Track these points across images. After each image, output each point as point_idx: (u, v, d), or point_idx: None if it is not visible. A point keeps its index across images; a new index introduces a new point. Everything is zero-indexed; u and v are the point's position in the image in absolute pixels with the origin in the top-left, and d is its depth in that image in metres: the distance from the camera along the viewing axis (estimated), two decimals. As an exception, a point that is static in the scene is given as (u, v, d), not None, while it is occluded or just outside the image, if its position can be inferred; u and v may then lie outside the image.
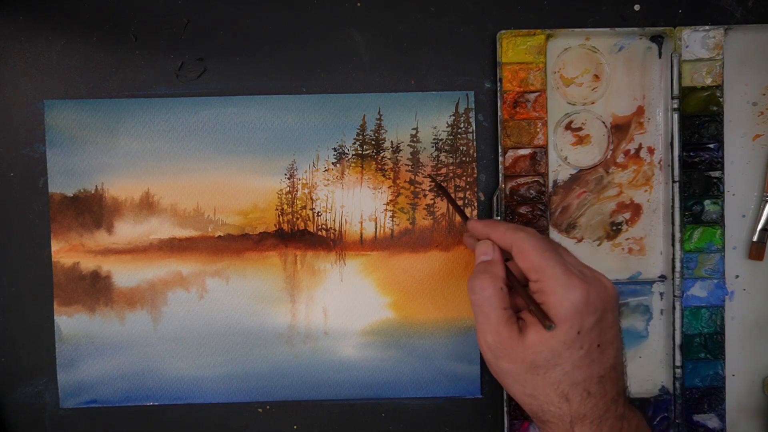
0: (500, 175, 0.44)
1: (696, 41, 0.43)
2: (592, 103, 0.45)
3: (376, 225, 0.46)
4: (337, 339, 0.46)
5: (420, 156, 0.45)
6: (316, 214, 0.46)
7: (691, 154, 0.44)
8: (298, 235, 0.46)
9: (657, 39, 0.45)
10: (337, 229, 0.46)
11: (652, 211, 0.45)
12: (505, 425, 0.44)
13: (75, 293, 0.45)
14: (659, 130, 0.45)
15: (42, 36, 0.45)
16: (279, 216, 0.45)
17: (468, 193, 0.45)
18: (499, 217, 0.44)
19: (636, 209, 0.45)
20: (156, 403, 0.46)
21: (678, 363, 0.44)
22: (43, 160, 0.45)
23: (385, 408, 0.46)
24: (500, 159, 0.44)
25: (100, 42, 0.45)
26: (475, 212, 0.45)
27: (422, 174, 0.45)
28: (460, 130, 0.45)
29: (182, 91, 0.45)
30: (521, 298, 0.35)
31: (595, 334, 0.32)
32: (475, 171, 0.45)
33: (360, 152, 0.45)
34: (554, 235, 0.45)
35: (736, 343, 0.45)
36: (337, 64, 0.45)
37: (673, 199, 0.44)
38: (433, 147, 0.45)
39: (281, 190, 0.45)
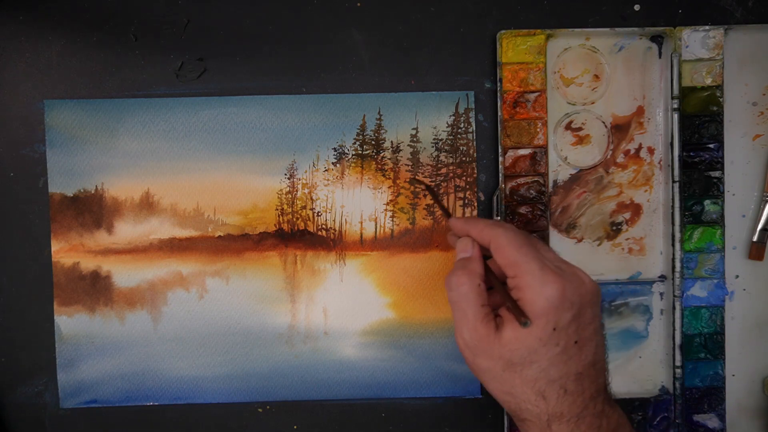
0: (500, 175, 0.44)
1: (696, 41, 0.43)
2: (592, 103, 0.45)
3: (376, 225, 0.46)
4: (337, 339, 0.46)
5: (420, 156, 0.45)
6: (316, 214, 0.46)
7: (691, 154, 0.44)
8: (298, 235, 0.46)
9: (657, 39, 0.45)
10: (337, 229, 0.46)
11: (652, 211, 0.45)
12: (505, 425, 0.44)
13: (75, 293, 0.45)
14: (659, 130, 0.45)
15: (42, 36, 0.45)
16: (279, 216, 0.45)
17: (468, 193, 0.45)
18: (499, 218, 0.44)
19: (636, 209, 0.45)
20: (156, 403, 0.46)
21: (678, 363, 0.44)
22: (43, 160, 0.45)
23: (385, 408, 0.46)
24: (500, 159, 0.44)
25: (100, 42, 0.45)
26: (475, 212, 0.45)
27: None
28: (460, 130, 0.45)
29: (182, 91, 0.45)
30: (500, 295, 0.35)
31: (572, 330, 0.32)
32: (475, 171, 0.45)
33: (360, 152, 0.45)
34: (554, 235, 0.45)
35: (736, 343, 0.45)
36: (337, 64, 0.45)
37: (673, 199, 0.44)
38: (433, 147, 0.45)
39: (281, 190, 0.45)
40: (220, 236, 0.45)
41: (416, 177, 0.45)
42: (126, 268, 0.45)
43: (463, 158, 0.45)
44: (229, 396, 0.46)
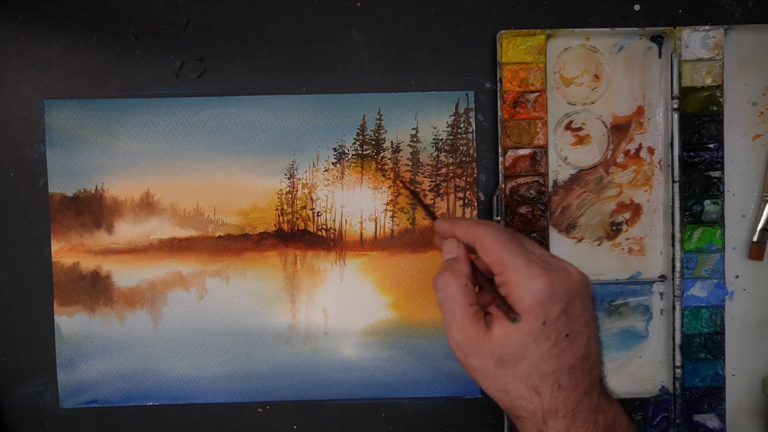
0: (500, 175, 0.44)
1: (696, 41, 0.43)
2: (592, 103, 0.45)
3: (376, 225, 0.46)
4: (337, 339, 0.46)
5: (420, 156, 0.45)
6: (316, 214, 0.46)
7: (691, 154, 0.44)
8: (298, 235, 0.46)
9: (657, 39, 0.45)
10: (337, 229, 0.46)
11: (652, 211, 0.45)
12: (505, 425, 0.44)
13: (75, 293, 0.45)
14: (659, 130, 0.45)
15: (42, 36, 0.45)
16: (279, 216, 0.45)
17: (468, 193, 0.45)
18: (499, 218, 0.44)
19: (636, 209, 0.45)
20: (156, 403, 0.46)
21: (678, 363, 0.44)
22: (43, 160, 0.45)
23: (385, 408, 0.46)
24: (500, 159, 0.44)
25: (100, 42, 0.45)
26: (475, 212, 0.45)
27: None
28: (460, 130, 0.45)
29: (182, 91, 0.45)
30: (488, 293, 0.34)
31: (562, 323, 0.32)
32: (475, 171, 0.45)
33: (360, 152, 0.45)
34: (554, 235, 0.45)
35: (736, 343, 0.45)
36: (337, 64, 0.45)
37: (673, 199, 0.44)
38: (433, 147, 0.45)
39: (281, 190, 0.45)
40: (220, 236, 0.45)
41: (401, 178, 0.45)
42: (126, 268, 0.45)
43: (463, 158, 0.45)
44: (229, 396, 0.46)
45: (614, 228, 0.45)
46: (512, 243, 0.33)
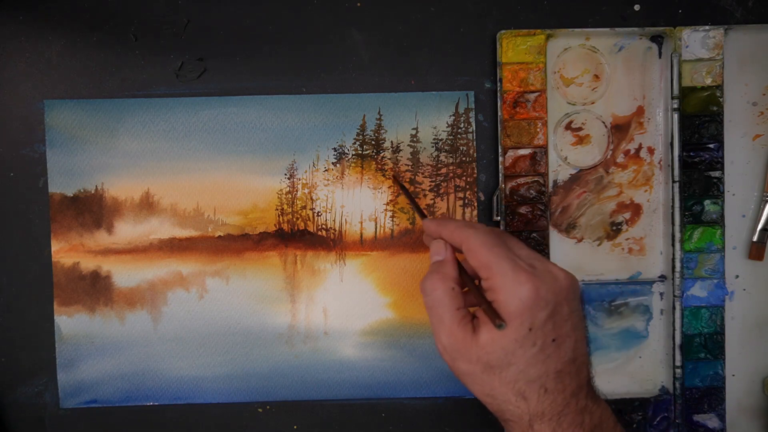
0: (500, 175, 0.44)
1: (696, 41, 0.43)
2: (592, 103, 0.45)
3: (376, 225, 0.46)
4: (337, 339, 0.46)
5: (420, 156, 0.45)
6: (316, 214, 0.46)
7: (691, 154, 0.44)
8: (298, 235, 0.46)
9: (657, 39, 0.45)
10: (337, 229, 0.46)
11: (652, 211, 0.45)
12: (505, 425, 0.44)
13: (75, 293, 0.45)
14: (659, 130, 0.45)
15: (42, 36, 0.45)
16: (279, 216, 0.45)
17: (468, 193, 0.45)
18: (499, 218, 0.44)
19: (636, 209, 0.45)
20: (156, 403, 0.46)
21: (678, 363, 0.44)
22: (43, 160, 0.45)
23: (385, 408, 0.46)
24: (500, 159, 0.44)
25: (100, 42, 0.45)
26: (475, 212, 0.45)
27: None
28: (460, 130, 0.45)
29: (182, 91, 0.45)
30: (475, 298, 0.34)
31: (549, 328, 0.32)
32: (475, 171, 0.45)
33: (360, 152, 0.45)
34: (554, 235, 0.45)
35: (736, 343, 0.45)
36: (337, 64, 0.45)
37: (673, 199, 0.44)
38: (433, 147, 0.45)
39: (281, 190, 0.45)
40: (220, 236, 0.45)
41: (396, 173, 0.45)
42: (126, 268, 0.45)
43: (463, 158, 0.45)
44: (229, 396, 0.46)
45: (614, 228, 0.45)
46: (499, 247, 0.33)
